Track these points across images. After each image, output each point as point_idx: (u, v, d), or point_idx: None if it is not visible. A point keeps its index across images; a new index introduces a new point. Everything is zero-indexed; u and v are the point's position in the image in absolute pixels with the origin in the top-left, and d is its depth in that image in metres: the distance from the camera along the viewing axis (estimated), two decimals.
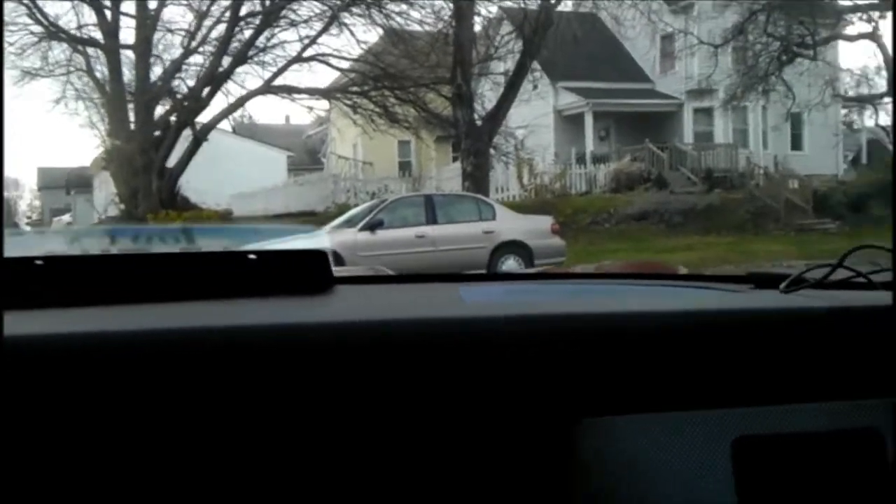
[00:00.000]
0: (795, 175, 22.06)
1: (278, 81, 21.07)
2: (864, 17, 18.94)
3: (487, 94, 20.14)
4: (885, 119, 19.60)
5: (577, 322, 1.15)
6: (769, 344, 1.14)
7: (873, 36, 18.02)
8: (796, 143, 26.84)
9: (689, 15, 24.24)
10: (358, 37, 20.97)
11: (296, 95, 21.06)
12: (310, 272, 1.36)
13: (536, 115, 22.88)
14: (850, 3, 19.32)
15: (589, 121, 25.38)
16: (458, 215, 12.80)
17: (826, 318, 1.19)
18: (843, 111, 27.41)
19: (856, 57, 29.81)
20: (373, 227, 11.76)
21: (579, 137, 25.37)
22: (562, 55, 21.56)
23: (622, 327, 1.14)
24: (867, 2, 19.26)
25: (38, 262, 1.24)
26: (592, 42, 24.14)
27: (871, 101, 19.63)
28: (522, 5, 17.93)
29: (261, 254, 1.33)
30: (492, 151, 18.40)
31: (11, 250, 1.13)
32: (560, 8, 19.09)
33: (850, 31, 19.14)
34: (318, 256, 1.37)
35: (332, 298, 1.36)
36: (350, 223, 12.37)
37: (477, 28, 18.91)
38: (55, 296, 1.19)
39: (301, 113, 71.73)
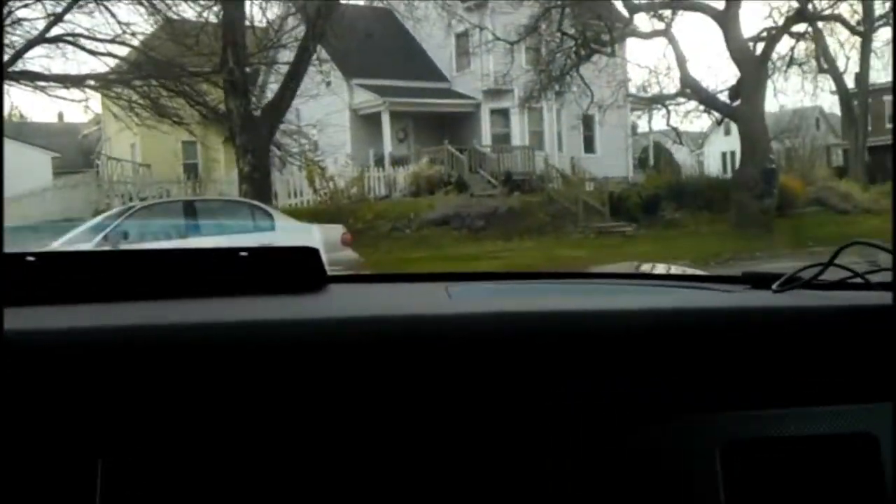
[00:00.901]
0: (591, 177, 22.13)
1: (18, 67, 17.73)
2: (657, 14, 19.04)
3: (273, 87, 18.11)
4: (675, 120, 19.93)
5: (564, 319, 1.14)
6: (762, 344, 1.13)
7: (667, 33, 18.06)
8: (589, 146, 27.26)
9: (483, 11, 23.72)
10: (119, 18, 18.09)
11: (42, 83, 17.83)
12: (303, 270, 1.37)
13: (329, 112, 21.31)
14: (644, 1, 19.29)
15: (386, 120, 24.20)
16: (226, 225, 10.78)
17: (820, 317, 1.18)
18: (636, 113, 28.19)
19: (649, 58, 30.56)
20: (114, 238, 9.49)
21: (377, 138, 24.17)
22: (356, 51, 20.28)
23: (612, 325, 1.13)
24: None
25: (30, 257, 1.27)
26: (388, 38, 23.08)
27: (663, 101, 19.82)
28: None
29: (252, 251, 1.35)
30: (276, 150, 16.46)
31: None
32: (353, 1, 17.53)
33: (644, 28, 19.14)
34: (310, 254, 1.37)
35: (326, 296, 1.38)
36: (94, 232, 10.10)
37: (257, 12, 16.95)
38: (44, 292, 1.21)
39: (76, 110, 64.82)
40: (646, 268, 2.10)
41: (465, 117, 25.63)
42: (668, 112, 19.52)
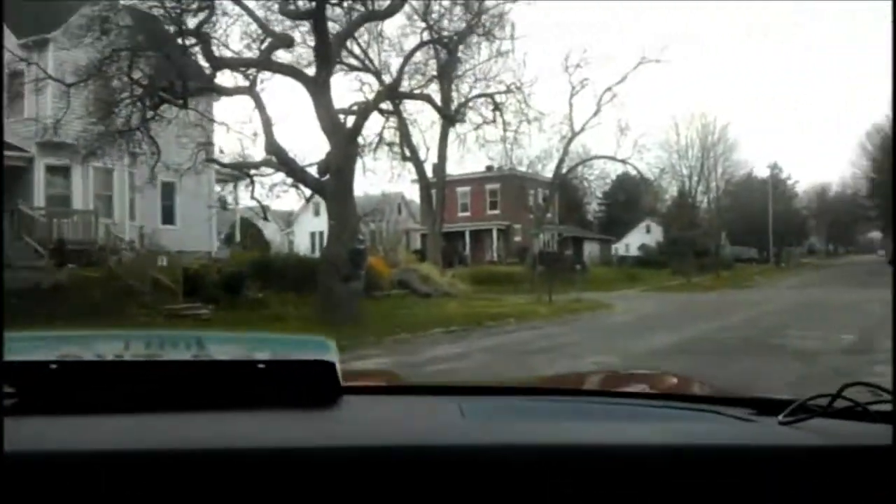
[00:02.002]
0: (165, 251, 19.28)
1: None
2: (243, 72, 17.18)
3: None
4: (259, 191, 18.15)
5: (573, 453, 1.17)
6: (766, 482, 1.14)
7: (251, 92, 16.25)
8: (168, 216, 24.32)
9: (44, 49, 19.79)
10: None
11: None
12: (318, 383, 1.38)
13: None
14: (229, 56, 17.30)
15: None
16: None
17: (824, 457, 1.19)
18: (218, 187, 25.98)
19: (235, 121, 28.12)
20: None
21: None
22: None
23: (623, 462, 1.15)
24: (248, 56, 17.68)
25: (53, 365, 1.29)
26: None
27: (247, 169, 17.90)
28: None
29: (270, 363, 1.36)
30: None
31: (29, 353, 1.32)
32: None
33: (227, 83, 17.04)
34: (326, 367, 1.38)
35: (339, 413, 1.39)
36: None
37: None
38: (68, 402, 1.27)
39: None
40: (659, 383, 2.09)
41: (17, 172, 20.93)
42: (253, 182, 17.65)
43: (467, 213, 46.15)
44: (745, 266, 62.18)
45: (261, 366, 1.34)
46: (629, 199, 65.66)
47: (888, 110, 57.43)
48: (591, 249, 56.26)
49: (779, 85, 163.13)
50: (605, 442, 1.22)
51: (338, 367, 1.38)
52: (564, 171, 37.13)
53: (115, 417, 1.22)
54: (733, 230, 69.39)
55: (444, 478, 1.09)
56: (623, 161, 36.40)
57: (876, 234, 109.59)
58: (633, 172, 39.80)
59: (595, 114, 36.44)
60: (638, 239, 69.13)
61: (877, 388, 1.31)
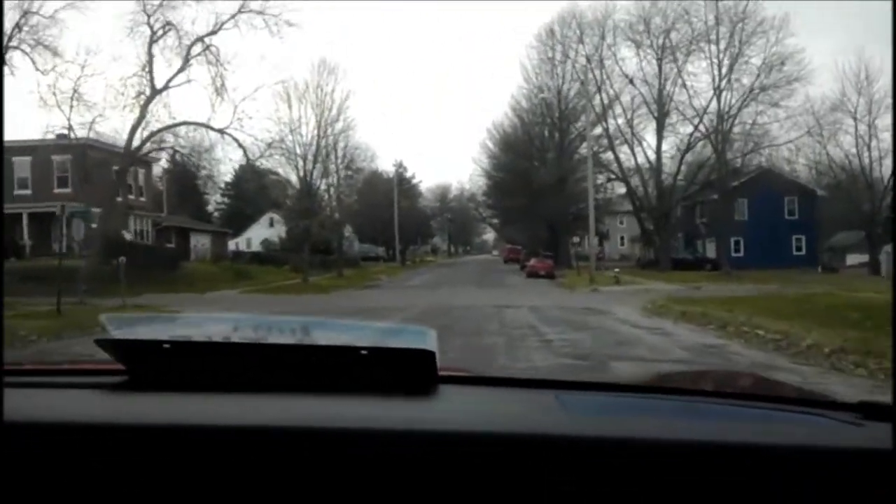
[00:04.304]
0: None
1: None
2: None
3: None
4: None
5: (678, 451, 1.16)
6: (874, 492, 1.12)
7: None
8: None
9: None
10: None
11: None
12: (417, 371, 1.40)
13: None
14: None
15: None
16: None
17: None
18: None
19: None
20: None
21: None
22: None
23: (725, 462, 1.14)
24: None
25: (166, 345, 1.39)
26: None
27: None
28: None
29: (373, 350, 1.39)
30: None
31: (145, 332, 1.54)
32: None
33: None
34: (425, 356, 1.39)
35: (436, 401, 1.41)
36: None
37: None
38: (179, 378, 1.36)
39: None
40: (761, 384, 2.10)
41: None
42: None
43: (27, 191, 35.28)
44: (372, 264, 59.96)
45: (363, 352, 1.38)
46: (255, 188, 59.09)
47: (506, 108, 58.23)
48: (201, 243, 48.34)
49: (405, 82, 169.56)
50: (717, 439, 1.19)
51: (437, 356, 1.39)
52: (141, 140, 28.65)
53: (223, 396, 1.31)
54: (363, 229, 66.87)
55: (541, 468, 1.11)
56: (220, 131, 29.14)
57: (490, 236, 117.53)
58: (260, 161, 32.38)
59: (182, 69, 28.84)
60: (261, 233, 63.18)
61: None
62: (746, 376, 2.36)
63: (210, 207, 68.50)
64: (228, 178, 65.19)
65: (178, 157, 34.55)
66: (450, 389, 1.46)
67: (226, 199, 70.60)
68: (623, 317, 16.29)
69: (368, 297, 26.55)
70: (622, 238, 77.46)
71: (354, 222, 61.42)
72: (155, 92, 29.11)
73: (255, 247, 59.75)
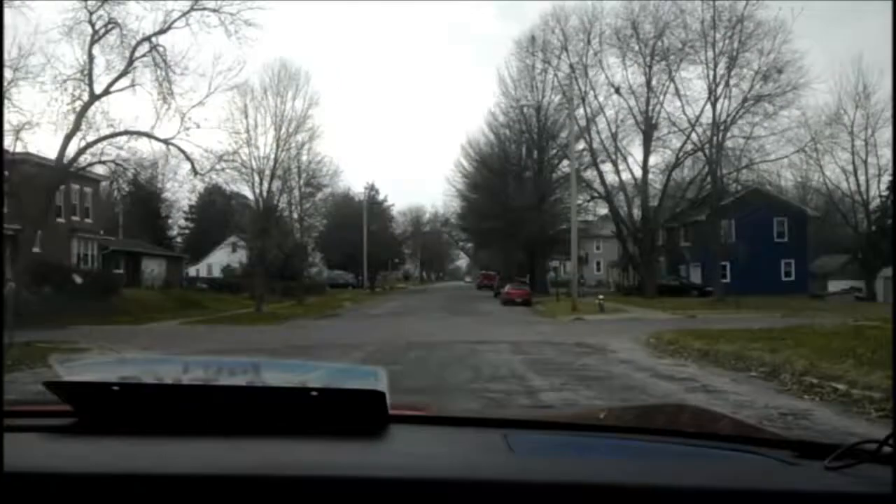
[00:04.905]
0: None
1: None
2: None
3: None
4: None
5: (624, 497, 1.16)
6: None
7: None
8: None
9: None
10: None
11: None
12: (367, 412, 1.40)
13: None
14: None
15: None
16: None
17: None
18: None
19: None
20: None
21: None
22: None
23: (648, 501, 1.15)
24: None
25: (115, 387, 1.36)
26: None
27: None
28: None
29: (322, 391, 1.38)
30: None
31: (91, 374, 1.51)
32: None
33: None
34: (375, 397, 1.39)
35: (386, 443, 1.40)
36: None
37: None
38: (128, 421, 1.34)
39: None
40: (691, 419, 2.10)
41: None
42: None
43: None
44: (340, 291, 56.82)
45: (313, 393, 1.37)
46: (220, 211, 55.45)
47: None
48: (154, 268, 44.84)
49: (378, 102, 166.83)
50: (651, 483, 1.19)
51: (387, 397, 1.40)
52: (76, 150, 25.42)
53: (171, 441, 1.29)
54: (332, 255, 63.73)
55: None
56: (165, 141, 26.07)
57: (463, 262, 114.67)
58: (210, 176, 28.88)
59: (125, 72, 25.74)
60: (223, 259, 59.71)
61: None
62: (692, 411, 2.42)
63: (173, 232, 64.96)
64: (193, 201, 61.96)
65: (122, 171, 31.19)
66: (400, 430, 1.46)
67: (189, 224, 67.10)
68: (627, 356, 13.26)
69: (318, 330, 23.17)
70: (598, 263, 74.90)
71: (322, 246, 58.26)
72: (94, 97, 25.99)
73: (216, 273, 56.36)
